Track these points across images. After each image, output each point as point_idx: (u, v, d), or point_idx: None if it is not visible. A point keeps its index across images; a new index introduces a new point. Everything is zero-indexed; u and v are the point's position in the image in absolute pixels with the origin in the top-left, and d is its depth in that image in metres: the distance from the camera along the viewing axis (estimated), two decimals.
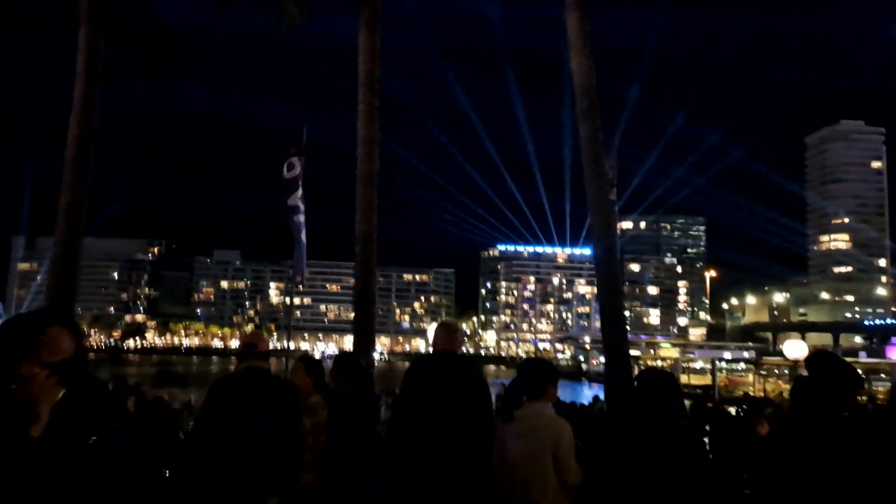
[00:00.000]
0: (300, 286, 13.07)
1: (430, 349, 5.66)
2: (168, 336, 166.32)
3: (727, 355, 56.99)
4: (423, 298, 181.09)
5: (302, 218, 11.55)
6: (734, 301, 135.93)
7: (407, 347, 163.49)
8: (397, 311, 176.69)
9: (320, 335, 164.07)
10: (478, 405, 4.27)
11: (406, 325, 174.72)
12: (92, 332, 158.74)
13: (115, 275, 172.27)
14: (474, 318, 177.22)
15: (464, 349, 6.06)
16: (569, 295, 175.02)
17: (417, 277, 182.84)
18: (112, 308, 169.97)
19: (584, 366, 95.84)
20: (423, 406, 4.22)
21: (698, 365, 56.58)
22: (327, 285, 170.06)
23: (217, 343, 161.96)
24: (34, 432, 2.18)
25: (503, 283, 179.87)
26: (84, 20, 10.72)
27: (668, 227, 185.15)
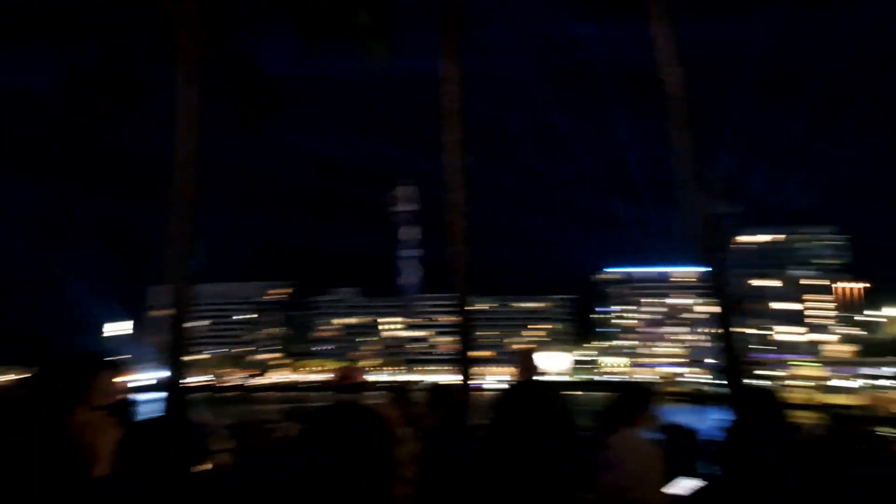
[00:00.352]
0: (414, 318, 13.25)
1: (515, 377, 5.55)
2: (295, 373, 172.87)
3: (870, 371, 52.52)
4: (539, 326, 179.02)
5: (414, 251, 11.87)
6: (874, 314, 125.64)
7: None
8: (515, 339, 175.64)
9: (433, 367, 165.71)
10: (558, 430, 4.26)
11: None
12: (227, 371, 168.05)
13: (248, 316, 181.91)
14: (594, 344, 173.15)
15: (551, 376, 5.89)
16: (692, 315, 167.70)
17: (532, 305, 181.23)
18: (247, 348, 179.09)
19: (713, 389, 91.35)
20: (508, 432, 4.28)
21: (840, 383, 52.39)
22: (442, 317, 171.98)
23: (327, 375, 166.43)
24: (97, 473, 2.23)
25: (621, 307, 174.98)
26: (186, 77, 11.47)
27: (801, 238, 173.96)
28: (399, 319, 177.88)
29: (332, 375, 4.88)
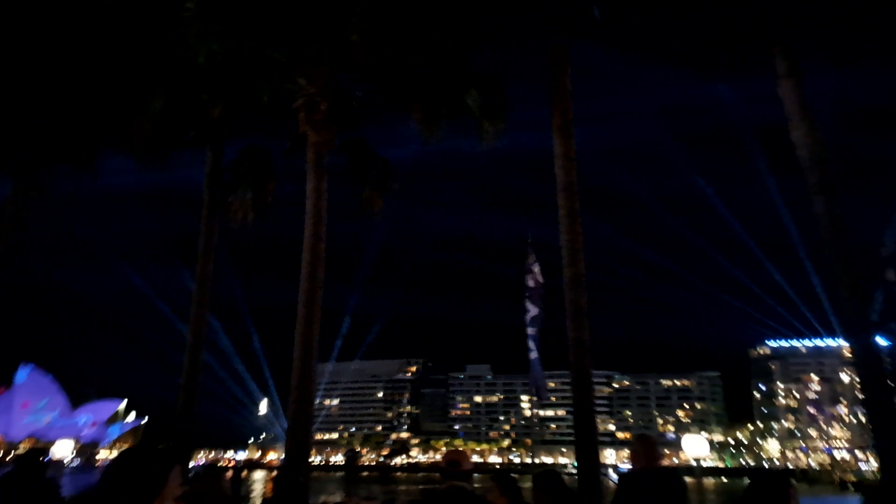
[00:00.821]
0: (544, 398, 12.90)
1: (632, 465, 5.18)
2: (431, 452, 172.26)
3: None
4: (686, 405, 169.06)
5: (534, 330, 11.69)
6: None
7: (675, 461, 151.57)
8: (659, 420, 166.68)
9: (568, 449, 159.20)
10: None
11: (671, 435, 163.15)
12: (363, 450, 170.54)
13: (380, 394, 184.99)
14: (749, 426, 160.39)
15: (670, 462, 5.45)
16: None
17: (678, 382, 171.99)
18: (379, 426, 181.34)
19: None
20: None
21: None
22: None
23: (476, 458, 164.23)
24: None
25: (780, 385, 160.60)
26: (313, 166, 12.15)
27: None
28: (530, 398, 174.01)
29: (441, 458, 4.78)
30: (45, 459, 6.21)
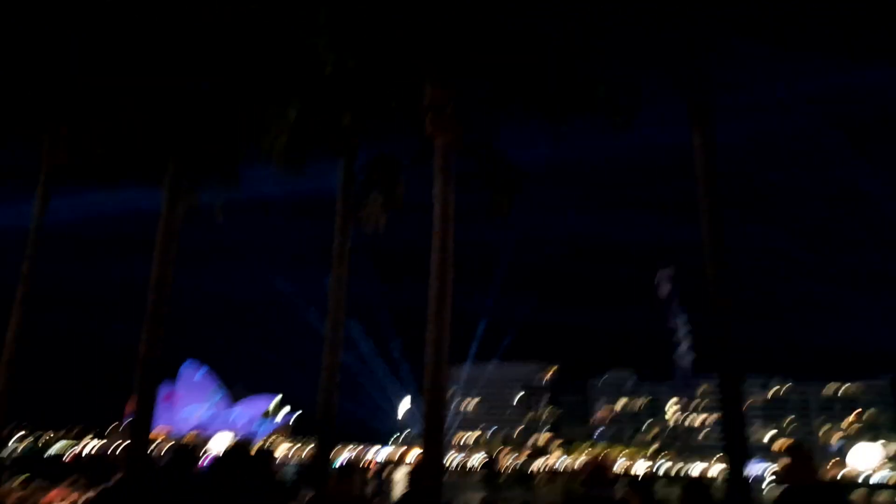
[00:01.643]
0: (692, 405, 12.29)
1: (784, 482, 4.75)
2: (571, 457, 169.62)
3: None
4: (853, 414, 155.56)
5: (681, 336, 11.24)
6: None
7: (840, 474, 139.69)
8: (822, 428, 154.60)
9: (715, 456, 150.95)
10: None
11: (836, 446, 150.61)
12: (503, 452, 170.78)
13: (519, 397, 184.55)
14: None
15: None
16: None
17: (842, 390, 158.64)
18: (518, 429, 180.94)
19: None
20: None
21: None
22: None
23: (619, 465, 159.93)
24: None
25: None
26: (440, 170, 12.19)
27: None
28: (677, 403, 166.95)
29: (582, 465, 4.61)
30: (190, 453, 6.51)
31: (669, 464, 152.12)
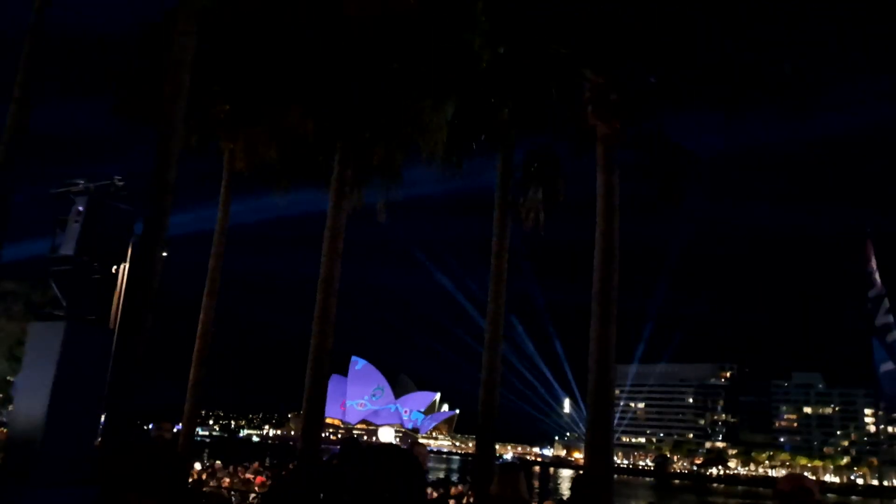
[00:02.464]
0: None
1: None
2: (751, 465, 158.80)
3: None
4: None
5: (886, 335, 10.12)
6: None
7: None
8: None
9: None
10: None
11: None
12: (674, 456, 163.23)
13: (690, 400, 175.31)
14: None
15: None
16: None
17: None
18: (691, 433, 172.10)
19: None
20: None
21: None
22: None
23: (807, 475, 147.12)
24: None
25: None
26: (600, 164, 11.61)
27: None
28: (876, 412, 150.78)
29: (778, 481, 4.07)
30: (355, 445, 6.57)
31: (864, 478, 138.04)
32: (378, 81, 13.21)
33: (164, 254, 10.30)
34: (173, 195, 9.58)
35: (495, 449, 13.85)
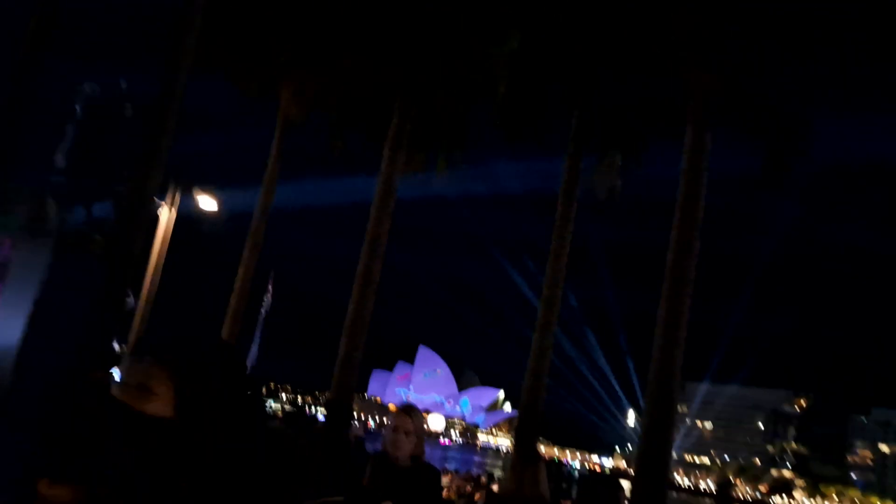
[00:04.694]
0: None
1: None
2: (818, 498, 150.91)
3: None
4: None
5: None
6: None
7: None
8: None
9: None
10: None
11: None
12: (737, 480, 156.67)
13: (761, 424, 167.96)
14: None
15: None
16: None
17: None
18: (757, 459, 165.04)
19: None
20: None
21: None
22: None
23: None
24: None
25: None
26: (691, 120, 9.79)
27: None
28: None
29: None
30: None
31: None
32: (438, 20, 11.70)
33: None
34: (177, 120, 8.36)
35: (537, 438, 12.13)
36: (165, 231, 15.52)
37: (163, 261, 15.73)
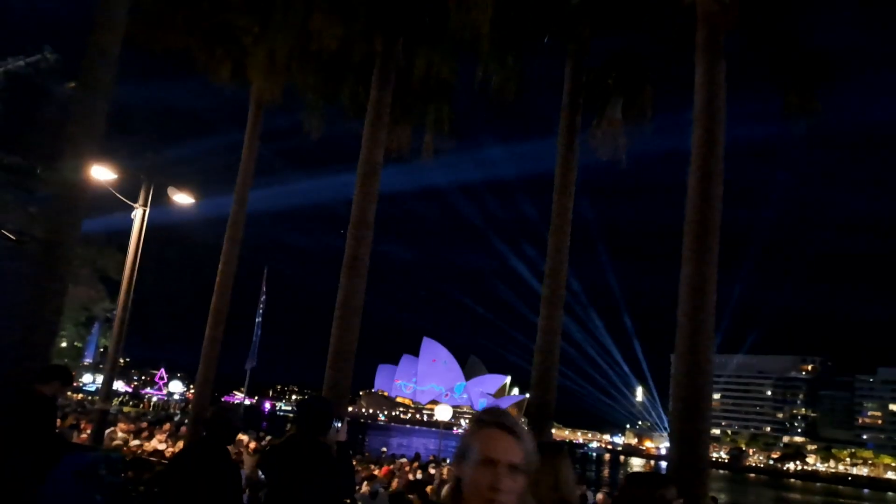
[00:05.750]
0: None
1: None
2: (831, 462, 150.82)
3: None
4: None
5: None
6: None
7: None
8: None
9: None
10: None
11: None
12: (750, 451, 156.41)
13: (769, 392, 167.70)
14: None
15: None
16: None
17: None
18: (768, 427, 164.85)
19: None
20: None
21: None
22: None
23: (892, 475, 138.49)
24: None
25: None
26: (700, 52, 8.64)
27: None
28: None
29: None
30: None
31: None
32: None
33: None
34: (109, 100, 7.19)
35: (551, 424, 11.00)
36: (139, 234, 14.47)
37: (136, 266, 14.69)
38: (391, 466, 15.21)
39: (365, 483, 11.12)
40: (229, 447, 4.94)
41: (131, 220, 14.24)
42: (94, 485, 6.09)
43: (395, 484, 11.48)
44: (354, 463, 14.10)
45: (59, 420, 13.49)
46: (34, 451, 4.94)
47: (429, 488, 12.10)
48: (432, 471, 15.37)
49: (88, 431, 12.45)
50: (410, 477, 13.62)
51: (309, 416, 4.41)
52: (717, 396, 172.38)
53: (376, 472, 13.75)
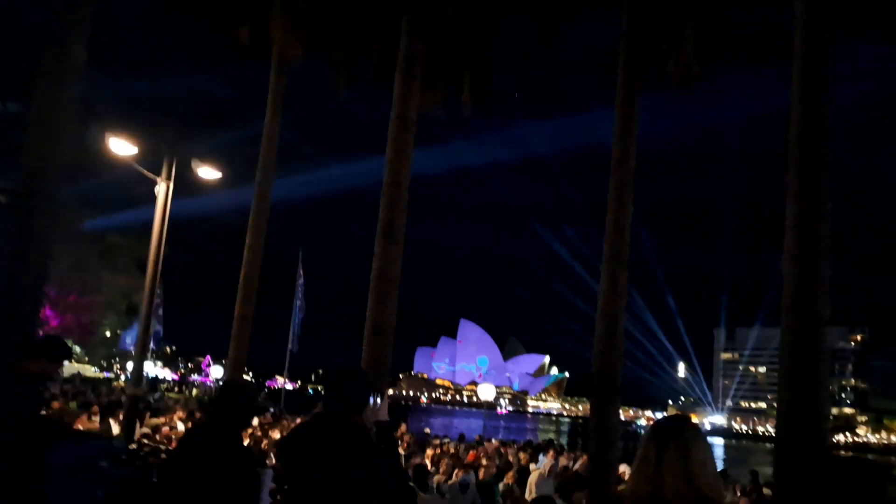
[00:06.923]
0: None
1: None
2: (882, 433, 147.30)
3: None
4: None
5: None
6: None
7: None
8: None
9: None
10: None
11: None
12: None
13: None
14: None
15: None
16: None
17: None
18: None
19: None
20: None
21: None
22: None
23: None
24: None
25: None
26: None
27: None
28: None
29: None
30: None
31: None
32: None
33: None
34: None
35: (619, 400, 9.73)
36: (163, 210, 13.69)
37: (162, 244, 14.00)
38: (477, 451, 13.99)
39: (456, 472, 9.98)
40: (245, 433, 3.87)
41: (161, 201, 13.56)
42: (93, 479, 5.18)
43: (481, 473, 10.37)
44: (403, 448, 12.82)
45: (58, 402, 12.64)
46: (15, 440, 3.91)
47: (509, 476, 11.02)
48: (510, 457, 14.34)
49: (96, 418, 11.66)
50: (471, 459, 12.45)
51: (338, 389, 3.32)
52: (762, 370, 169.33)
53: (461, 457, 12.56)
